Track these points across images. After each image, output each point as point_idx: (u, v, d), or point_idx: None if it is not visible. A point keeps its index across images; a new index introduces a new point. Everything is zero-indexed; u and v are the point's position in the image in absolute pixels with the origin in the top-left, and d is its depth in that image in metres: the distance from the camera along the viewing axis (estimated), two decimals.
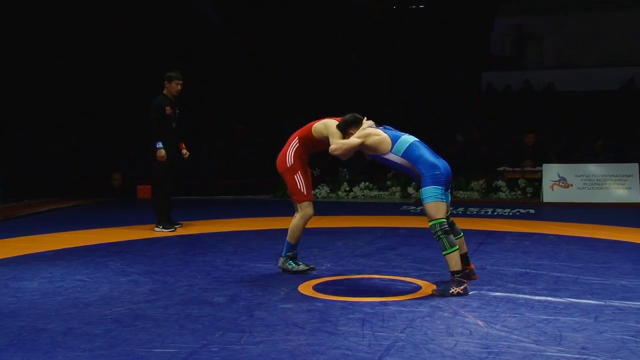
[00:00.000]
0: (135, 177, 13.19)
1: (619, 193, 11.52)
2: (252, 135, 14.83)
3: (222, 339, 4.05)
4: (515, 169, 12.46)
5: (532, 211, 10.46)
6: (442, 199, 5.11)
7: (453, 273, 5.07)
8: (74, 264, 6.42)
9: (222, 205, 11.79)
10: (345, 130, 5.46)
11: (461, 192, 12.55)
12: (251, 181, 13.43)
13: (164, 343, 3.97)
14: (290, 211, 6.15)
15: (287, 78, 16.76)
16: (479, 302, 4.81)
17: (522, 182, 12.32)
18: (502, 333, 4.08)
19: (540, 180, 11.94)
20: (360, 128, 5.40)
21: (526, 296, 4.98)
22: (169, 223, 8.55)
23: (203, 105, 15.51)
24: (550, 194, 11.67)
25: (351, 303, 4.84)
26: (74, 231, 8.62)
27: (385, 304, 4.81)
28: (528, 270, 5.91)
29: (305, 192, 5.78)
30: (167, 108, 8.39)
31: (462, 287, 5.04)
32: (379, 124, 5.54)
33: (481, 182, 12.61)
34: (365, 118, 5.51)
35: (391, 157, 5.26)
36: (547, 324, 4.26)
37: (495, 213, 10.23)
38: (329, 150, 5.39)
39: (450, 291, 5.02)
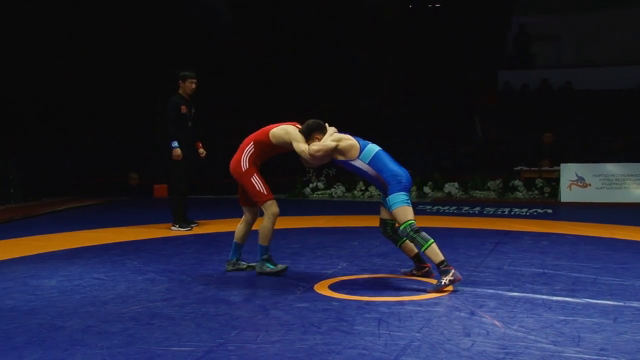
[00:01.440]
0: (152, 176, 13.25)
1: (638, 193, 11.42)
2: None
3: (238, 337, 4.05)
4: (532, 168, 12.39)
5: (549, 211, 10.40)
6: (408, 203, 5.28)
7: (438, 265, 5.16)
8: (92, 263, 6.46)
9: (238, 204, 11.78)
10: (310, 135, 5.48)
11: (478, 191, 12.50)
12: (266, 180, 13.43)
13: (181, 341, 3.99)
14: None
15: (301, 77, 16.75)
16: (496, 302, 4.78)
17: (539, 182, 12.25)
18: (519, 334, 4.06)
19: (557, 179, 11.86)
20: (328, 133, 5.47)
21: (544, 296, 4.94)
22: (185, 222, 8.58)
23: (217, 104, 15.56)
24: (568, 193, 11.59)
25: (367, 302, 4.83)
26: (92, 230, 8.68)
27: (401, 303, 4.79)
28: (546, 271, 5.87)
29: (265, 192, 5.74)
30: (183, 107, 8.42)
31: (450, 274, 5.11)
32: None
33: (498, 181, 12.55)
34: (327, 124, 5.56)
35: (358, 163, 5.40)
36: (565, 325, 4.22)
37: (512, 213, 10.18)
38: (310, 152, 5.39)
39: (443, 282, 5.10)
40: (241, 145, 5.82)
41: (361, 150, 5.39)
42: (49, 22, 14.18)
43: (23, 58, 13.78)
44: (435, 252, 5.17)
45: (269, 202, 5.75)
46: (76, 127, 14.63)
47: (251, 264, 6.09)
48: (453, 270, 5.14)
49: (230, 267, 6.05)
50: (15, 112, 13.49)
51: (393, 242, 5.64)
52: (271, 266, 5.82)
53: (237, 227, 6.07)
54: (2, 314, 4.65)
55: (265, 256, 5.84)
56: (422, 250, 5.21)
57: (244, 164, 5.76)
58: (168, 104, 8.44)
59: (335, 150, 5.39)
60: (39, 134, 13.87)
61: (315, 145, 5.40)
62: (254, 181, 5.74)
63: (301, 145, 5.51)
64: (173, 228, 8.55)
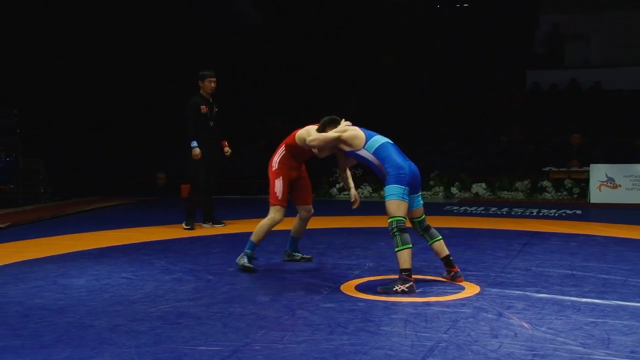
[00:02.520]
0: (179, 176, 13.31)
1: None
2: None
3: (265, 337, 4.06)
4: (561, 169, 12.27)
5: (578, 212, 10.28)
6: (404, 198, 5.18)
7: (401, 270, 5.11)
8: (120, 262, 6.52)
9: (265, 204, 11.82)
10: (324, 130, 5.62)
11: (505, 192, 12.40)
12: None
13: (208, 341, 4.01)
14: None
15: (327, 77, 16.75)
16: (523, 304, 4.74)
17: (568, 183, 12.12)
18: (548, 335, 4.02)
19: (587, 180, 11.73)
20: (339, 126, 5.56)
21: (573, 298, 4.89)
22: (193, 222, 8.65)
23: (243, 104, 15.62)
24: (598, 194, 11.46)
25: (393, 303, 4.82)
26: (120, 229, 8.76)
27: (428, 304, 4.78)
28: (574, 272, 5.80)
29: (279, 197, 5.98)
30: (203, 107, 8.48)
31: (407, 285, 5.07)
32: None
33: (526, 182, 12.44)
34: (344, 120, 5.64)
35: (363, 152, 5.40)
36: (595, 327, 4.18)
37: (540, 214, 10.08)
38: (307, 141, 5.60)
39: (395, 288, 5.08)
40: (278, 147, 6.15)
41: (367, 140, 5.39)
42: (77, 19, 14.32)
43: (52, 57, 13.93)
44: (404, 258, 5.10)
45: (277, 207, 6.00)
46: (104, 126, 14.76)
47: (305, 256, 6.40)
48: (411, 284, 5.09)
49: (286, 258, 6.42)
50: (44, 112, 13.64)
51: (425, 239, 5.57)
52: (248, 264, 6.02)
53: (293, 224, 6.36)
54: (31, 313, 4.71)
55: (249, 251, 6.06)
56: (395, 250, 5.15)
57: (275, 164, 6.07)
58: (188, 104, 8.52)
59: (340, 141, 5.45)
60: (67, 134, 14.01)
61: (313, 135, 5.57)
62: (277, 182, 6.01)
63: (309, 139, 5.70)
64: (185, 227, 8.64)
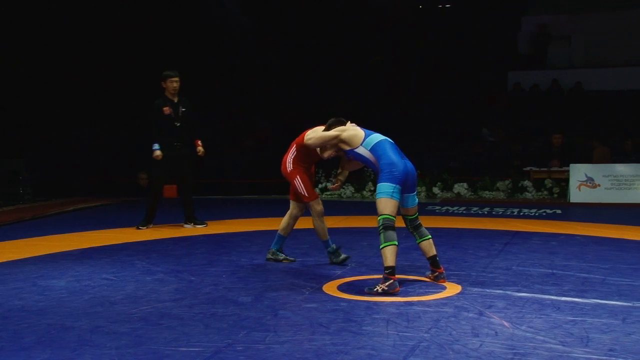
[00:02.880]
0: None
1: None
2: (277, 134, 14.84)
3: (247, 338, 4.06)
4: (542, 169, 12.36)
5: (558, 211, 10.36)
6: (393, 196, 5.20)
7: (385, 269, 5.14)
8: (101, 263, 6.48)
9: (248, 204, 11.83)
10: (329, 130, 5.70)
11: (487, 192, 12.47)
12: (276, 180, 13.44)
13: (190, 342, 4.00)
14: (308, 211, 6.21)
15: (313, 78, 16.77)
16: (504, 303, 4.78)
17: (548, 182, 12.22)
18: (528, 334, 4.05)
19: (567, 180, 11.83)
20: (341, 127, 5.64)
21: (552, 297, 4.93)
22: (149, 222, 8.70)
23: (228, 104, 15.60)
24: (578, 194, 11.56)
25: (376, 303, 4.83)
26: (101, 230, 8.71)
27: (409, 304, 4.80)
28: (554, 271, 5.85)
29: (307, 194, 6.09)
30: (166, 108, 8.39)
31: (387, 283, 5.09)
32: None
33: (507, 182, 12.52)
34: (350, 122, 5.73)
35: (360, 150, 5.48)
36: (574, 325, 4.22)
37: (521, 213, 10.15)
38: (304, 141, 5.78)
39: (376, 289, 5.09)
40: (289, 147, 6.21)
41: (365, 138, 5.46)
42: (59, 20, 14.23)
43: (34, 57, 13.84)
44: (387, 256, 5.11)
45: (312, 203, 6.10)
46: (85, 127, 14.68)
47: (289, 258, 6.41)
48: (393, 281, 5.09)
49: (270, 256, 6.43)
50: (24, 112, 13.55)
51: (415, 237, 5.55)
52: (338, 257, 6.23)
53: (282, 219, 6.39)
54: (11, 314, 4.68)
55: (329, 248, 6.24)
56: (380, 247, 5.18)
57: (289, 165, 6.14)
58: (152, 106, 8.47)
59: (339, 140, 5.54)
60: (48, 134, 13.93)
61: (310, 134, 5.76)
62: (297, 183, 6.09)
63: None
64: (140, 227, 8.66)
